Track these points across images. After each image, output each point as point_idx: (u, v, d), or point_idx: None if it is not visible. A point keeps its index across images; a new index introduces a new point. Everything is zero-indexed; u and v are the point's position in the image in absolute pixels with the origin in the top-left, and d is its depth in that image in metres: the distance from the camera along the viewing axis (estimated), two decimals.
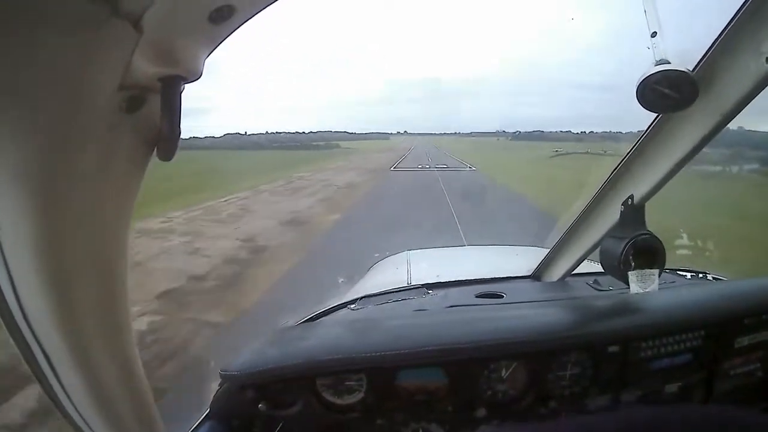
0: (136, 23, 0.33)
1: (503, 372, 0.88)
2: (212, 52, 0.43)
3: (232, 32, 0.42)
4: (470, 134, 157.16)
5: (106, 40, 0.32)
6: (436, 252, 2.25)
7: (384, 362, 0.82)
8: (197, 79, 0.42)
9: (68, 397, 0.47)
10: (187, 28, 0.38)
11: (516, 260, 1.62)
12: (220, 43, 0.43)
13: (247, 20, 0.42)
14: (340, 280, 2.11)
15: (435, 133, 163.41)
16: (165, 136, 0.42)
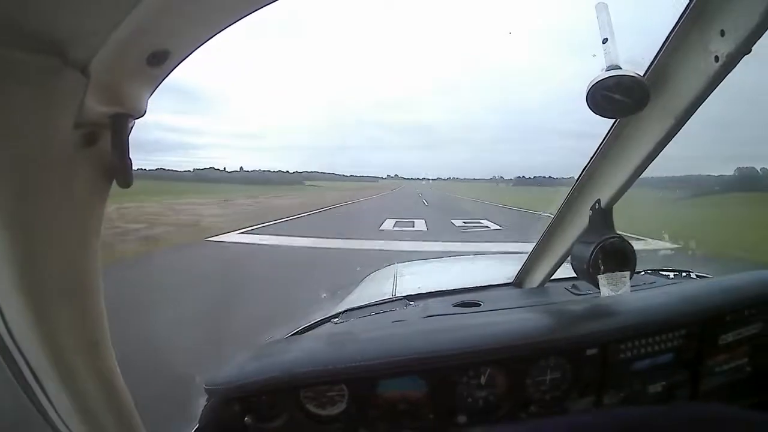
0: (84, 70, 0.40)
1: (482, 378, 0.91)
2: (154, 91, 0.51)
3: (169, 72, 0.49)
4: (465, 180, 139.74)
5: (59, 86, 0.39)
6: (424, 264, 2.37)
7: (358, 372, 0.86)
8: (142, 116, 0.51)
9: (55, 410, 0.51)
10: (129, 72, 0.46)
11: (503, 268, 1.65)
12: (160, 83, 0.50)
13: (182, 61, 0.49)
14: (323, 296, 2.20)
15: (429, 178, 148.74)
16: (116, 167, 0.49)
